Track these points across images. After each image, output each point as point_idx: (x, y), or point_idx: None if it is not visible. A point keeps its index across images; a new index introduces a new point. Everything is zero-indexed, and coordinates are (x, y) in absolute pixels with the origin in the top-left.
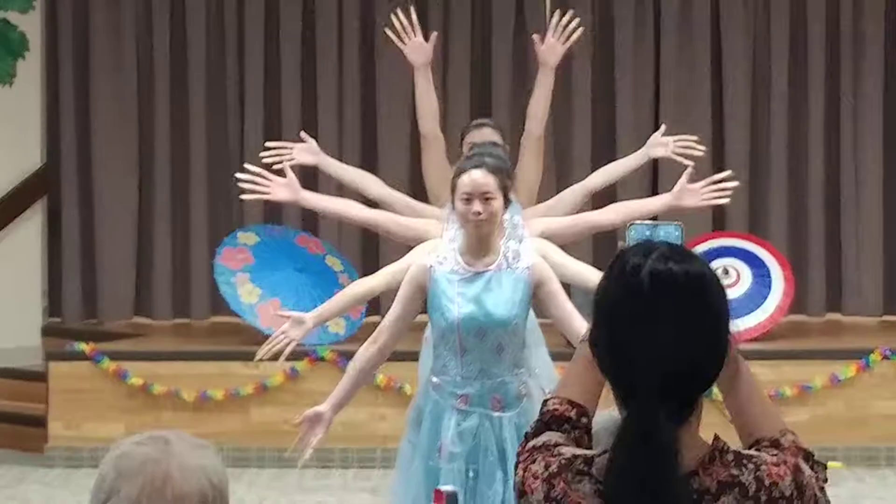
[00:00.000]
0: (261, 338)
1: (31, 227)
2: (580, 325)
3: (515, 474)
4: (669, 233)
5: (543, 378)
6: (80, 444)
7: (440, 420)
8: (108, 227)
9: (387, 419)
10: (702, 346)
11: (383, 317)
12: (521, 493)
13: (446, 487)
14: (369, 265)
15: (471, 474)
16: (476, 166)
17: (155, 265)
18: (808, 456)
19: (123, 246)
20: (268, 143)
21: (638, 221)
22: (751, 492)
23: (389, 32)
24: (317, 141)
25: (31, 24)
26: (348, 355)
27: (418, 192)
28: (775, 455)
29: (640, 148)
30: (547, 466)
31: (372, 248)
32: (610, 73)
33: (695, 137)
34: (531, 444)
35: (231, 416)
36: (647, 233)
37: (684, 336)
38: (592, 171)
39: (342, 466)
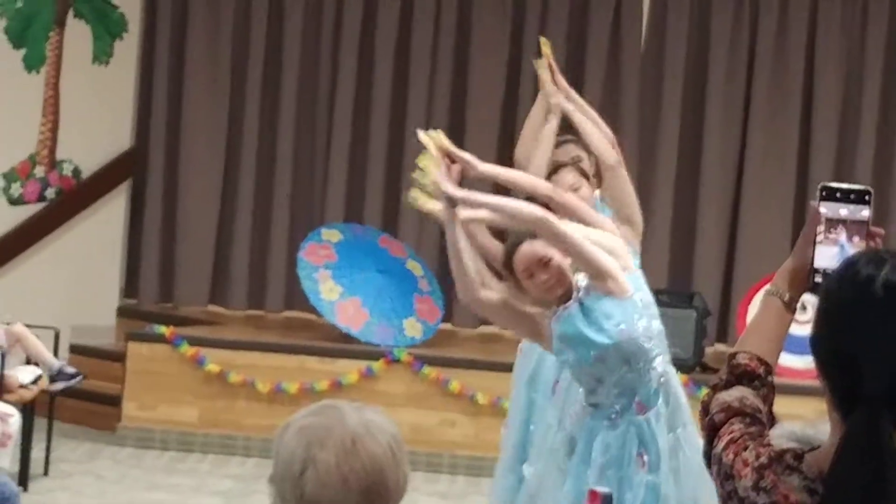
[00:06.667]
0: (337, 335)
1: (114, 208)
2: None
3: (720, 452)
4: (860, 196)
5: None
6: (151, 426)
7: (592, 443)
8: (190, 213)
9: (457, 426)
10: None
11: (457, 325)
12: (729, 476)
13: (602, 489)
14: (449, 271)
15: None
16: (515, 245)
17: (233, 255)
18: None
19: (204, 234)
20: None
21: (831, 183)
22: None
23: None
24: (402, 146)
25: (131, 5)
26: (424, 358)
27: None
28: None
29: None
30: (758, 457)
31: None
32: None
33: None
34: (722, 398)
35: None
36: (838, 195)
37: None
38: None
39: (411, 469)
